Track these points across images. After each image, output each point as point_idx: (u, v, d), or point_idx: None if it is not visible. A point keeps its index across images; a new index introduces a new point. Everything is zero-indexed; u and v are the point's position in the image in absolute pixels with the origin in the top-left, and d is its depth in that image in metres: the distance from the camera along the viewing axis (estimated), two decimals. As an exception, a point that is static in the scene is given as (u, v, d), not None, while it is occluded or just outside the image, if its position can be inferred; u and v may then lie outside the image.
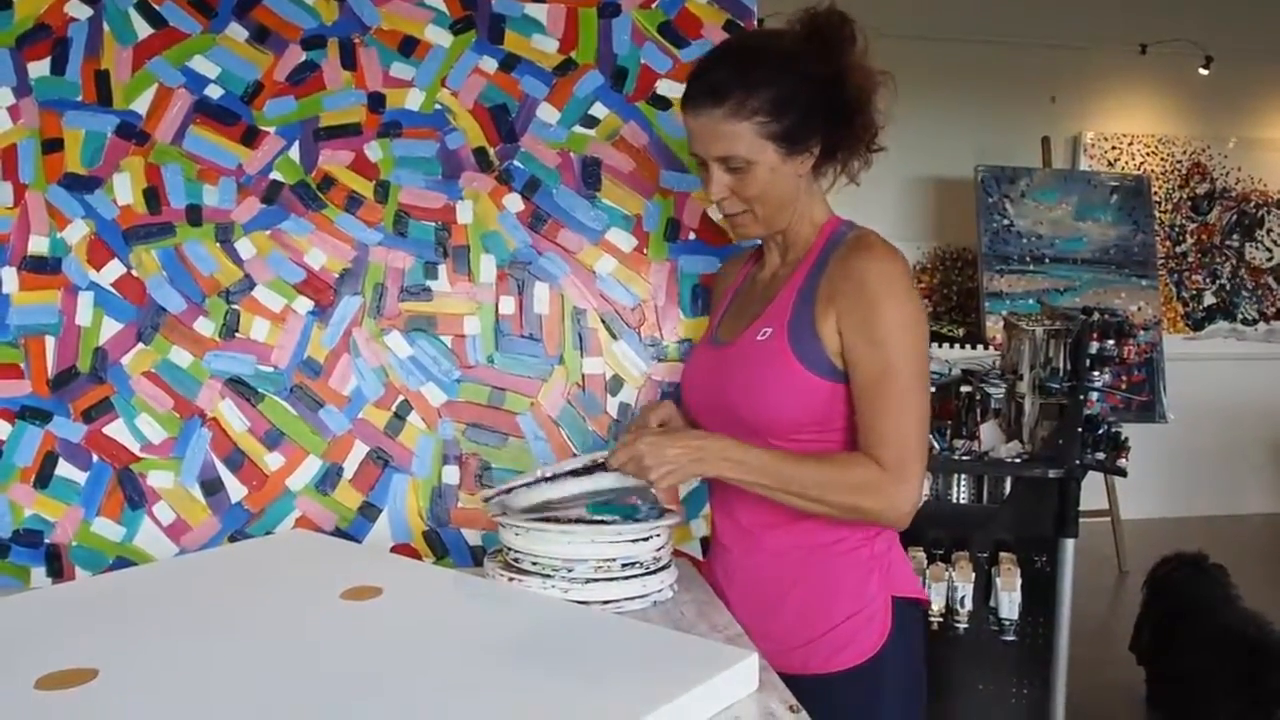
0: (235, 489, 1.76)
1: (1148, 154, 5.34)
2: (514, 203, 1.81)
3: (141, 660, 1.11)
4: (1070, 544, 2.39)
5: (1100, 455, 2.33)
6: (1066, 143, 5.34)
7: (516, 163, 1.81)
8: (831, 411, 1.36)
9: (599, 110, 1.83)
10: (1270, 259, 5.56)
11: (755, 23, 1.84)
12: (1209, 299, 5.51)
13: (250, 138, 1.77)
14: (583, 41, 1.83)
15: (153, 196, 1.74)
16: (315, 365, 1.77)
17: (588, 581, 1.34)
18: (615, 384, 1.83)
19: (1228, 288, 5.51)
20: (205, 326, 1.75)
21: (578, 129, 1.82)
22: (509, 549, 1.41)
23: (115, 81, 1.74)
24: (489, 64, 1.82)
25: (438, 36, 1.81)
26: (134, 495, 1.73)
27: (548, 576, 1.35)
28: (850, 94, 1.36)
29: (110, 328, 1.72)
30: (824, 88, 1.35)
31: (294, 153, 1.77)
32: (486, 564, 1.46)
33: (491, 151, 1.81)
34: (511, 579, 1.37)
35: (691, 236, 1.84)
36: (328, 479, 1.78)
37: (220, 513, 1.75)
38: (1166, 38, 5.17)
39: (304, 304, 1.77)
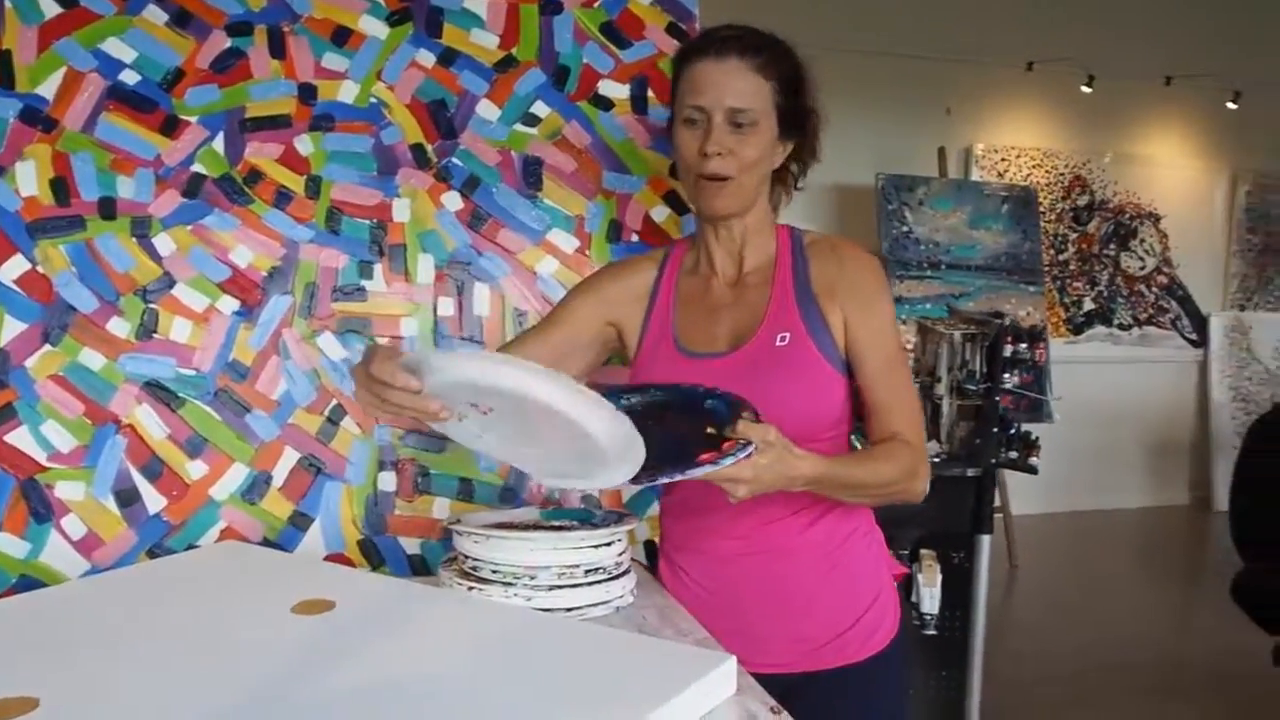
0: (153, 500, 1.66)
1: (1033, 166, 5.58)
2: (453, 201, 1.76)
3: (86, 687, 1.03)
4: (986, 540, 2.47)
5: (1014, 454, 2.41)
6: (960, 154, 5.54)
7: (455, 160, 1.76)
8: (847, 406, 1.42)
9: (540, 109, 1.80)
10: (1143, 267, 5.87)
11: (696, 26, 1.83)
12: (1088, 305, 5.79)
13: (170, 127, 1.67)
14: (524, 38, 1.80)
15: (61, 187, 1.63)
16: (241, 368, 1.69)
17: (551, 588, 1.31)
18: (557, 387, 1.79)
19: (1105, 294, 5.80)
20: (120, 327, 1.64)
21: (519, 127, 1.79)
22: (466, 557, 1.36)
23: (18, 63, 1.62)
24: (426, 58, 1.77)
25: (373, 27, 1.75)
26: (40, 508, 1.61)
27: (509, 584, 1.31)
28: (811, 99, 1.44)
29: (13, 328, 1.60)
30: (808, 88, 1.43)
31: (218, 144, 1.69)
32: (442, 573, 1.41)
33: (429, 148, 1.75)
34: (471, 588, 1.32)
35: (634, 238, 1.82)
36: (255, 488, 1.69)
37: (137, 525, 1.65)
38: (1052, 56, 5.41)
39: (229, 303, 1.69)
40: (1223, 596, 3.10)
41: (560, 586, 1.31)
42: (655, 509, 1.81)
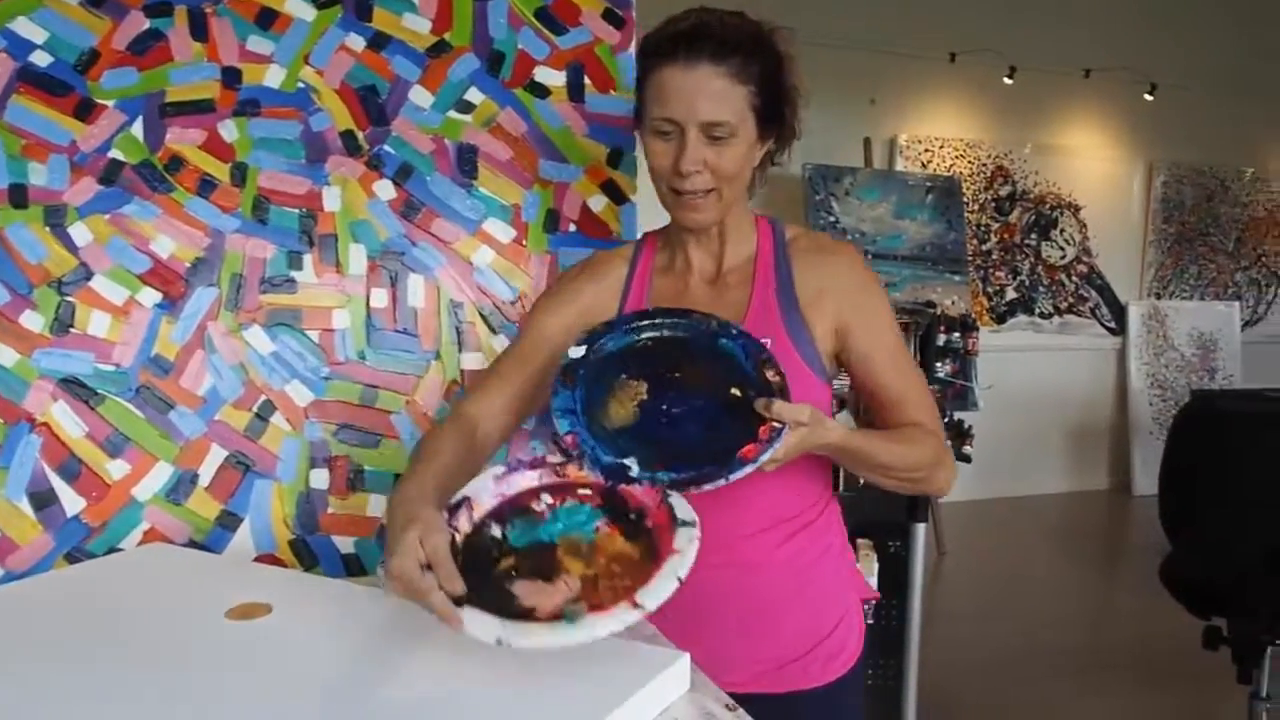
0: (71, 501, 1.58)
1: (957, 157, 5.67)
2: (385, 190, 1.71)
3: (14, 703, 0.98)
4: (922, 528, 2.50)
5: (948, 443, 2.44)
6: (884, 144, 5.60)
7: (387, 147, 1.71)
8: (830, 414, 1.33)
9: (475, 95, 1.76)
10: (1064, 257, 6.02)
11: (633, 14, 1.81)
12: (1010, 294, 5.91)
13: (85, 111, 1.59)
14: (457, 23, 1.75)
15: (-33, 175, 1.54)
16: (164, 363, 1.62)
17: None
18: (495, 380, 1.76)
19: (1027, 283, 5.93)
20: (33, 321, 1.56)
21: (453, 114, 1.74)
22: (406, 556, 1.32)
23: (-82, 43, 1.53)
24: (356, 42, 1.71)
25: (299, 10, 1.69)
26: (-53, 512, 1.53)
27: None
28: (791, 86, 1.34)
29: (-83, 323, 1.52)
30: (786, 73, 1.32)
31: (136, 129, 1.61)
32: (380, 573, 1.37)
33: (360, 135, 1.70)
34: (412, 588, 1.29)
35: (571, 228, 1.79)
36: (180, 487, 1.63)
37: (54, 529, 1.58)
38: (974, 47, 5.50)
39: (151, 296, 1.62)
40: (1144, 579, 3.18)
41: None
42: (596, 502, 1.79)
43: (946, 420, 2.47)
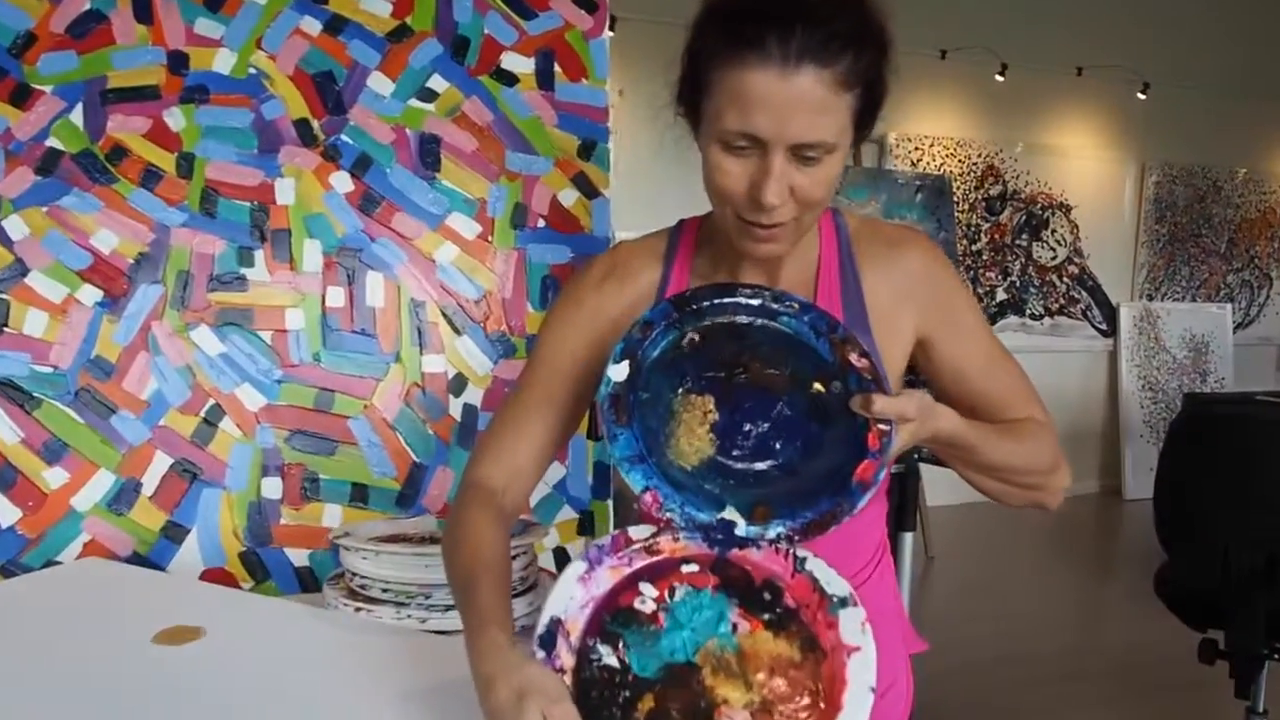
0: (7, 512, 1.49)
1: (947, 155, 5.59)
2: (342, 182, 1.62)
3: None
4: (909, 537, 2.41)
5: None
6: (874, 142, 5.52)
7: (344, 137, 1.62)
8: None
9: (437, 83, 1.67)
10: (1054, 258, 5.95)
11: (606, -3, 1.72)
12: (1001, 295, 5.83)
13: (20, 97, 1.50)
14: (419, 6, 1.66)
15: (-107, 164, 1.45)
16: (106, 365, 1.53)
17: (448, 609, 1.19)
18: (458, 384, 1.67)
19: (1018, 284, 5.86)
20: (-36, 320, 1.47)
21: (414, 103, 1.65)
22: (354, 574, 1.23)
23: None
24: (311, 25, 1.62)
25: (251, -9, 1.60)
26: (-128, 524, 1.44)
27: (402, 605, 1.19)
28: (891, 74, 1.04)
29: None
30: (889, 65, 1.02)
31: (76, 117, 1.52)
32: (326, 592, 1.28)
33: (315, 124, 1.61)
34: (359, 609, 1.20)
35: (541, 224, 1.70)
36: (122, 496, 1.54)
37: (-14, 540, 1.48)
38: (965, 44, 5.42)
39: (91, 294, 1.53)
40: (1134, 585, 3.10)
41: (453, 606, 1.19)
42: (566, 514, 1.70)
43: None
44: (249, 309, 1.58)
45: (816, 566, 0.87)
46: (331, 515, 1.61)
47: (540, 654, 0.80)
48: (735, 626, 0.85)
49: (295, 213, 1.60)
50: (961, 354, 1.08)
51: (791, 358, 0.91)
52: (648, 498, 0.87)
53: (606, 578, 0.85)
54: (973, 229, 5.74)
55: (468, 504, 0.98)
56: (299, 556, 1.60)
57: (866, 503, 0.86)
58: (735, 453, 0.89)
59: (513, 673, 0.78)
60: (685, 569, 0.86)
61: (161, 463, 1.55)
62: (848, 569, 1.08)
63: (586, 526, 1.70)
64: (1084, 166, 6.02)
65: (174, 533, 1.56)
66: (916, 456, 2.35)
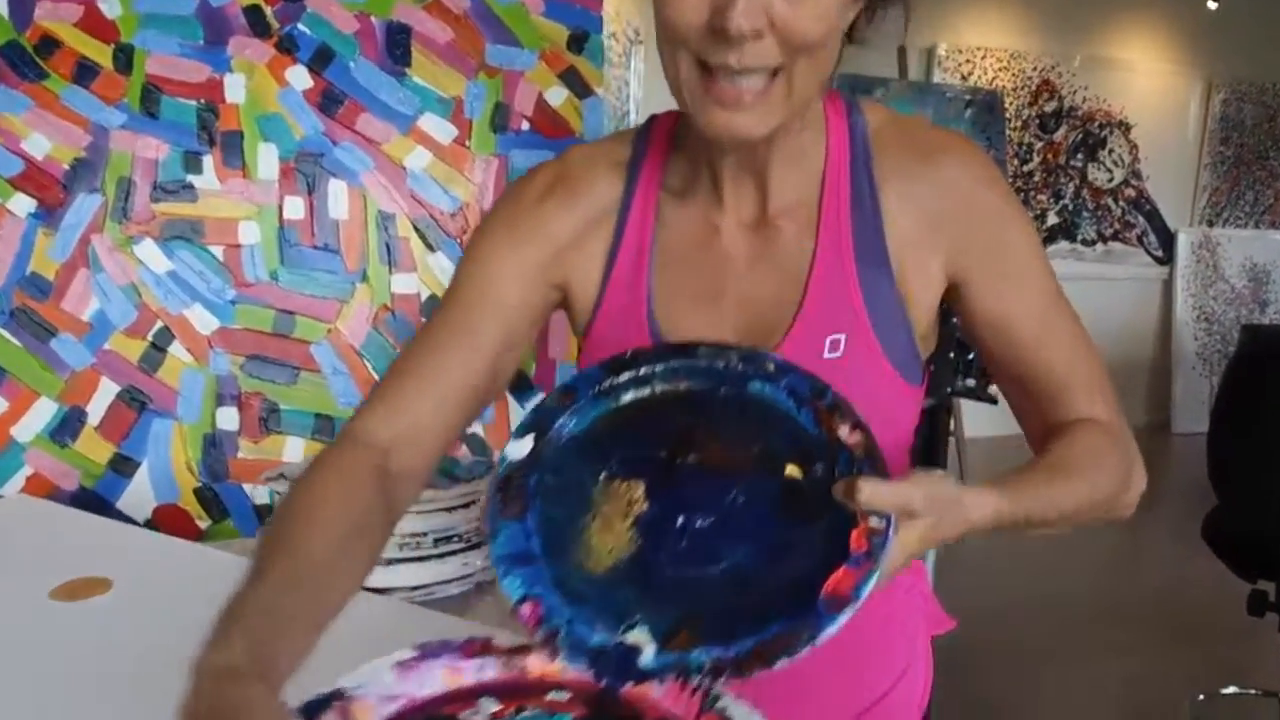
0: (-59, 443, 1.37)
1: (999, 69, 5.26)
2: (299, 78, 1.45)
3: None
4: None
5: (971, 381, 2.17)
6: (921, 54, 5.21)
7: (302, 27, 1.45)
8: (917, 419, 0.90)
9: (408, -36, 1.47)
10: (1111, 180, 5.62)
11: None
12: (1052, 219, 5.54)
13: (-63, -18, 1.34)
14: (386, -127, 1.46)
15: None
16: (42, 283, 1.39)
17: (390, 563, 1.05)
18: (431, 306, 1.50)
19: (1070, 208, 5.56)
20: (-114, 232, 1.34)
21: (381, -13, 1.47)
22: (283, 522, 1.09)
23: None
24: (263, -103, 1.43)
25: None
26: None
27: (335, 557, 1.05)
28: None
29: None
30: None
31: (0, 5, 1.36)
32: (259, 539, 1.14)
33: (269, 11, 1.43)
34: (285, 563, 1.06)
35: (524, 126, 1.52)
36: (66, 426, 1.41)
37: (-79, 472, 1.37)
38: (1022, -52, 5.07)
39: (23, 203, 1.39)
40: (1179, 524, 2.92)
41: (402, 560, 1.05)
42: (552, 450, 1.55)
43: (970, 357, 2.19)
44: (198, 221, 1.42)
45: (733, 710, 0.61)
46: (294, 449, 1.47)
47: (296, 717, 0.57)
48: None
49: (247, 113, 1.43)
50: (1008, 308, 0.83)
51: (762, 432, 0.70)
52: (525, 609, 0.65)
53: (439, 679, 0.63)
54: (1024, 148, 5.43)
55: (327, 462, 0.74)
56: (259, 493, 1.47)
57: (838, 629, 0.61)
58: (664, 554, 0.67)
59: (229, 678, 0.55)
60: (551, 698, 0.63)
61: (107, 390, 1.42)
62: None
63: (575, 465, 1.55)
64: (1146, 82, 5.65)
65: (123, 466, 1.43)
66: (950, 391, 2.18)
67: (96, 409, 1.42)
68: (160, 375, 1.43)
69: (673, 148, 0.87)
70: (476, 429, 1.51)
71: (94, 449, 1.42)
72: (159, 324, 1.42)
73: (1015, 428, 0.93)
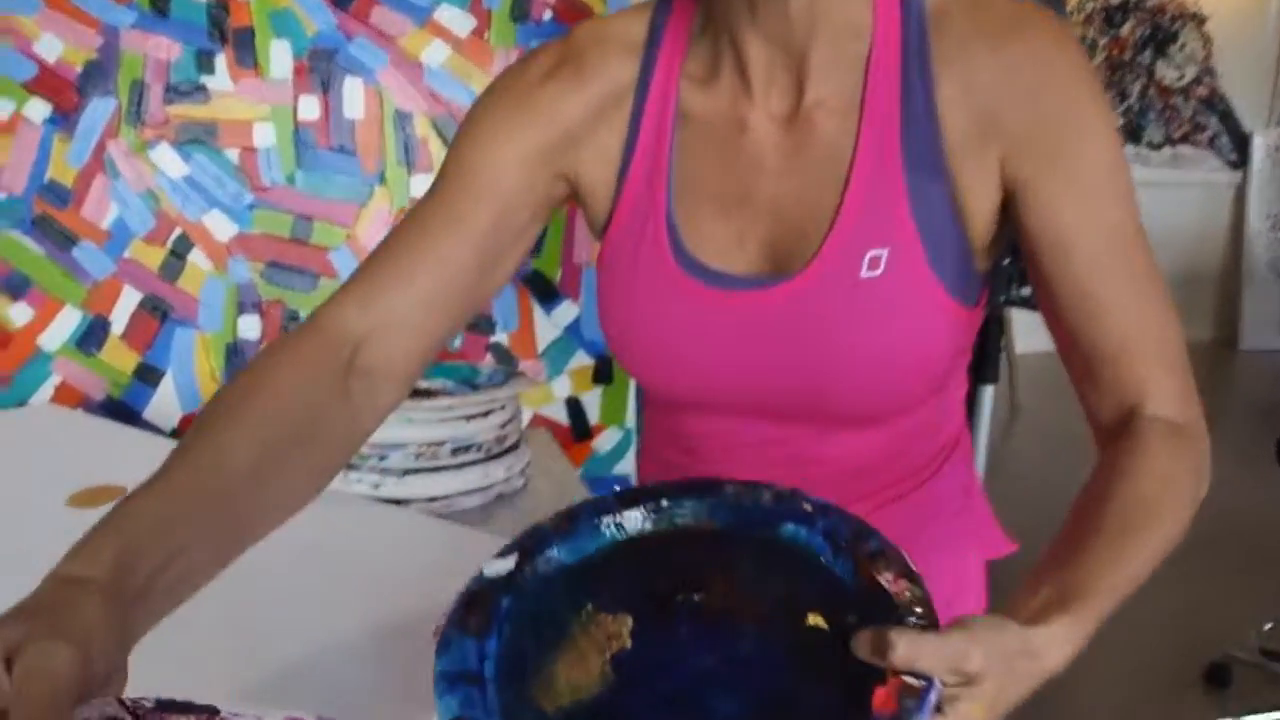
0: (-30, 351, 1.37)
1: (1064, -38, 5.03)
2: (311, -30, 1.38)
3: None
4: (989, 391, 2.16)
5: (1026, 290, 2.07)
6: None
7: (312, -85, 1.38)
8: (966, 351, 0.81)
9: None
10: (1181, 78, 5.35)
11: None
12: (1116, 120, 5.33)
13: (-63, -125, 1.29)
14: None
15: None
16: (61, 190, 1.37)
17: (405, 473, 1.02)
18: (456, 210, 1.46)
19: (1136, 108, 5.31)
20: (-97, 140, 1.32)
21: None
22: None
23: None
24: None
25: None
26: None
27: (352, 467, 1.03)
28: None
29: None
30: None
31: (1, -103, 1.31)
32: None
33: (277, -100, 1.37)
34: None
35: (547, 16, 1.45)
36: (91, 336, 1.40)
37: (-47, 382, 1.37)
38: None
39: (39, 109, 1.36)
40: (1245, 447, 2.82)
41: (418, 470, 1.02)
42: (580, 361, 1.51)
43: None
44: (212, 124, 1.38)
45: None
46: (318, 358, 1.45)
47: (147, 702, 0.48)
48: None
49: (259, 9, 1.38)
50: (1067, 228, 0.69)
51: (785, 577, 0.61)
52: None
53: None
54: (1088, 42, 5.18)
55: (281, 348, 0.65)
56: (285, 403, 1.45)
57: None
58: (636, 698, 0.57)
59: (51, 595, 0.45)
60: None
61: (129, 298, 1.40)
62: (900, 470, 0.85)
63: (604, 374, 1.51)
64: (1224, -31, 5.34)
65: (148, 375, 1.42)
66: (1004, 300, 2.09)
67: (120, 318, 1.41)
68: (181, 284, 1.41)
69: (694, 27, 0.78)
70: (501, 338, 1.47)
71: (119, 358, 1.41)
72: (178, 231, 1.40)
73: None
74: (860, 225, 0.72)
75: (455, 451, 1.04)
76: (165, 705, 0.47)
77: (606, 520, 0.64)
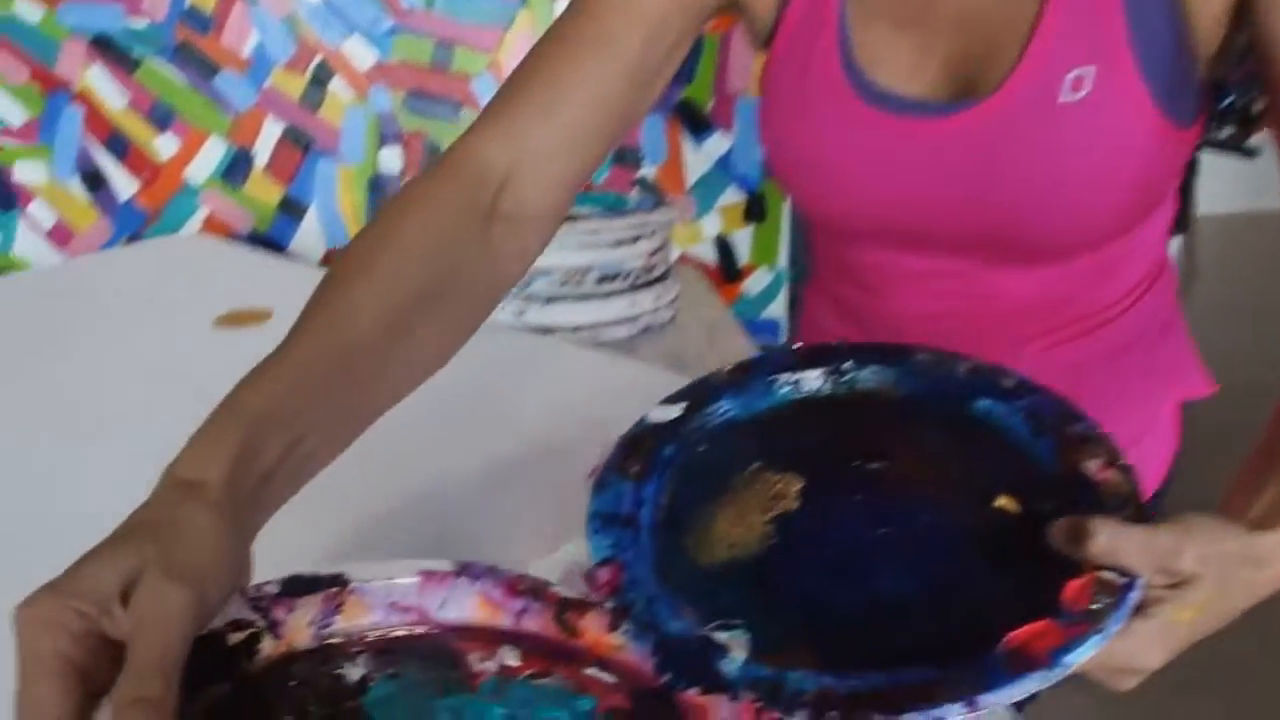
0: (123, 183, 1.39)
1: None
2: None
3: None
4: (1174, 244, 1.99)
5: (1225, 131, 1.85)
6: None
7: None
8: (1177, 174, 0.71)
9: None
10: None
11: None
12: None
13: None
14: None
15: None
16: (201, 17, 1.34)
17: (550, 300, 0.98)
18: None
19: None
20: (51, -32, 1.31)
21: None
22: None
23: None
24: None
25: None
26: (2, 194, 1.37)
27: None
28: None
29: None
30: None
31: None
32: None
33: None
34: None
35: None
36: (236, 168, 1.39)
37: (110, 213, 1.39)
38: None
39: (174, -72, 1.31)
40: None
41: (562, 298, 0.97)
42: (731, 197, 1.42)
43: (1228, 102, 1.86)
44: (350, -58, 1.32)
45: None
46: (460, 193, 1.41)
47: (271, 588, 0.44)
48: None
49: None
50: None
51: (976, 455, 0.56)
52: (604, 572, 0.51)
53: (466, 606, 0.49)
54: None
55: (418, 192, 0.57)
56: (427, 239, 1.42)
57: (1010, 697, 0.42)
58: (798, 562, 0.53)
59: (167, 509, 0.39)
60: (588, 673, 0.47)
61: (272, 129, 1.38)
62: (1091, 304, 0.76)
63: (756, 211, 1.42)
64: None
65: (292, 209, 1.41)
66: (1199, 142, 1.88)
67: (263, 149, 1.39)
68: (322, 114, 1.38)
69: None
70: (648, 171, 1.39)
71: (263, 191, 1.40)
72: (318, 58, 1.36)
73: (1267, 201, 0.75)
74: (1062, 40, 0.62)
75: (602, 279, 0.98)
76: (290, 587, 0.44)
77: (782, 378, 0.60)
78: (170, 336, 0.95)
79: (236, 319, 0.97)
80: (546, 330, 0.97)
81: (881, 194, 0.70)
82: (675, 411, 0.58)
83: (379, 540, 0.60)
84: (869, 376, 0.61)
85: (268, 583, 0.43)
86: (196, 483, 0.40)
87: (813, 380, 0.60)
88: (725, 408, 0.59)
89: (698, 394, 0.59)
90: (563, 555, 0.61)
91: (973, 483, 0.53)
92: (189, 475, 0.40)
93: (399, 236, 0.54)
